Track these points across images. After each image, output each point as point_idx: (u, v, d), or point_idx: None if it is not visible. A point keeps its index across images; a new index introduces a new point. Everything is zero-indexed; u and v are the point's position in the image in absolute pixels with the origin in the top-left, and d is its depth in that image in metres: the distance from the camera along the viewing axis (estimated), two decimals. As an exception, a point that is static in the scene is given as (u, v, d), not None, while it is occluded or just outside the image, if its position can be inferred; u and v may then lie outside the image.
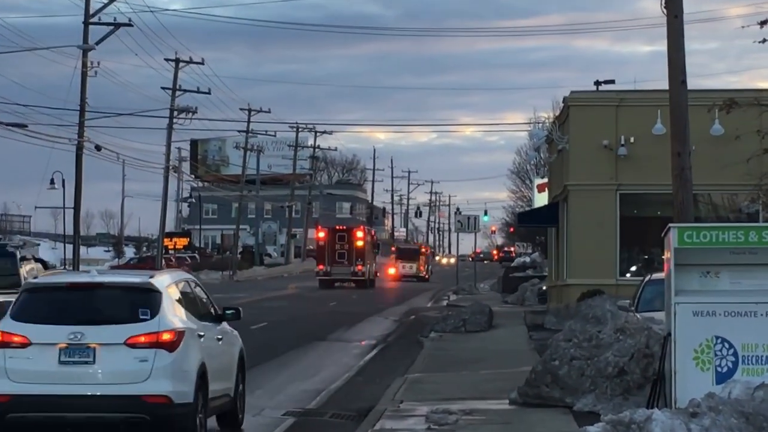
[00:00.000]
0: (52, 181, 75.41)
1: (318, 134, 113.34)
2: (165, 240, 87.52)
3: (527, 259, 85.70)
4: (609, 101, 37.45)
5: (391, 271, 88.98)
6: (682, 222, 18.55)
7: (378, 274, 77.78)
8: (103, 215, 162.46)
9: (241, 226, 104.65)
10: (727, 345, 14.18)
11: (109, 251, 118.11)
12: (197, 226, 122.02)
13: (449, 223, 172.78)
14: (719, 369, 14.16)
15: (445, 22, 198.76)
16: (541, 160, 68.10)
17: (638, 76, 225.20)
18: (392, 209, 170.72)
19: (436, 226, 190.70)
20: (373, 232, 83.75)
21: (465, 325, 34.72)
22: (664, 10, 20.31)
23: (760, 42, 22.98)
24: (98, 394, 13.88)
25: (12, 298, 15.89)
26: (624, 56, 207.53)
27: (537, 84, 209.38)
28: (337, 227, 78.80)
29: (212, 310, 16.13)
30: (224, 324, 16.29)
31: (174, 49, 78.07)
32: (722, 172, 32.38)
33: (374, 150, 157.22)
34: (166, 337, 14.04)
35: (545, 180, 56.39)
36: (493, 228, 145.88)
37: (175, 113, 76.54)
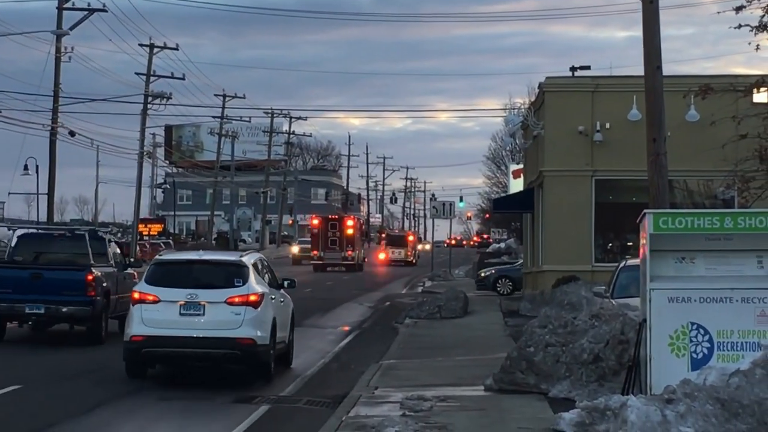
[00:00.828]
0: (25, 167, 74.99)
1: (293, 120, 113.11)
2: (140, 226, 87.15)
3: (502, 246, 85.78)
4: (584, 87, 37.44)
5: (381, 256, 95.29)
6: (658, 208, 18.52)
7: (366, 259, 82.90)
8: (77, 201, 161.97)
9: (215, 212, 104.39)
10: (702, 331, 14.16)
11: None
12: (172, 213, 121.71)
13: (425, 209, 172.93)
14: (695, 355, 14.14)
15: (420, 8, 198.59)
16: (516, 146, 68.19)
17: (614, 62, 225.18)
18: (368, 195, 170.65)
19: (412, 212, 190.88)
20: (361, 221, 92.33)
21: (440, 311, 34.68)
22: (640, -5, 20.24)
23: (735, 28, 22.99)
24: (206, 336, 19.66)
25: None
26: (600, 42, 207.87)
27: (513, 70, 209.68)
28: (330, 216, 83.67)
29: (276, 280, 22.08)
30: (282, 290, 22.24)
31: (148, 34, 77.78)
32: (698, 158, 32.44)
33: (349, 136, 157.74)
34: (252, 298, 19.99)
35: (521, 166, 56.43)
36: (469, 214, 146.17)
37: (150, 99, 76.16)
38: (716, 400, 13.18)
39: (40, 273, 25.98)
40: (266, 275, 21.64)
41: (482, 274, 51.99)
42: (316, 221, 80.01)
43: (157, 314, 19.85)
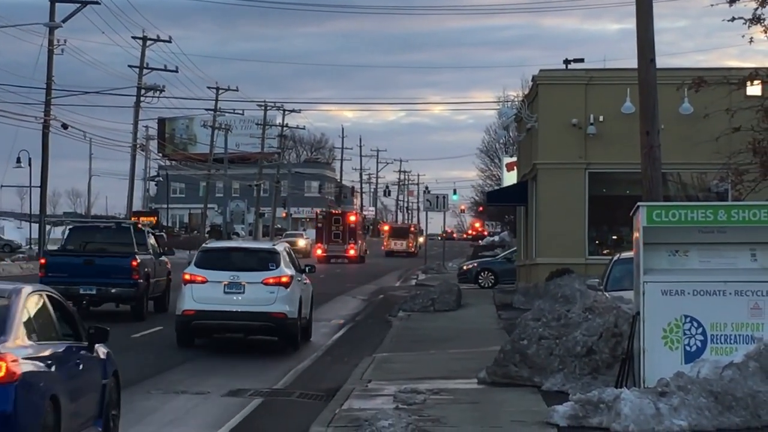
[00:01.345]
0: (18, 160, 74.84)
1: (286, 113, 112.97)
2: (132, 219, 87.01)
3: (496, 238, 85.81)
4: (578, 80, 37.41)
5: (383, 247, 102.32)
6: (651, 201, 18.51)
7: (368, 251, 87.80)
8: (70, 194, 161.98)
9: (208, 205, 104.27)
10: (695, 324, 14.15)
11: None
12: (165, 205, 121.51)
13: (418, 202, 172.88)
14: (688, 348, 14.13)
15: (413, 0, 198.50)
16: (510, 138, 68.14)
17: (608, 54, 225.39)
18: (361, 188, 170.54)
19: (405, 205, 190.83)
20: (363, 216, 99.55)
21: (433, 304, 34.66)
22: (634, -12, 20.19)
23: (729, 20, 22.96)
24: (246, 310, 23.71)
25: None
26: (593, 34, 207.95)
27: (506, 62, 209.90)
28: (333, 212, 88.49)
29: (299, 265, 26.16)
30: (303, 274, 26.21)
31: (141, 27, 77.61)
32: (691, 150, 32.41)
33: (342, 129, 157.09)
34: (284, 279, 24.10)
35: (514, 159, 56.39)
36: (463, 207, 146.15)
37: (143, 91, 76.04)
38: (710, 393, 13.19)
39: (92, 259, 30.34)
40: (293, 259, 25.89)
41: (464, 267, 52.09)
42: (321, 216, 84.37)
43: (204, 292, 23.84)
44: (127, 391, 18.23)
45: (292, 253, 26.38)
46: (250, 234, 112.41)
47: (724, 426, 13.02)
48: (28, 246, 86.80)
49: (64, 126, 65.56)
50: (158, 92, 75.69)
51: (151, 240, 32.90)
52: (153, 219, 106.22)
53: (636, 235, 14.57)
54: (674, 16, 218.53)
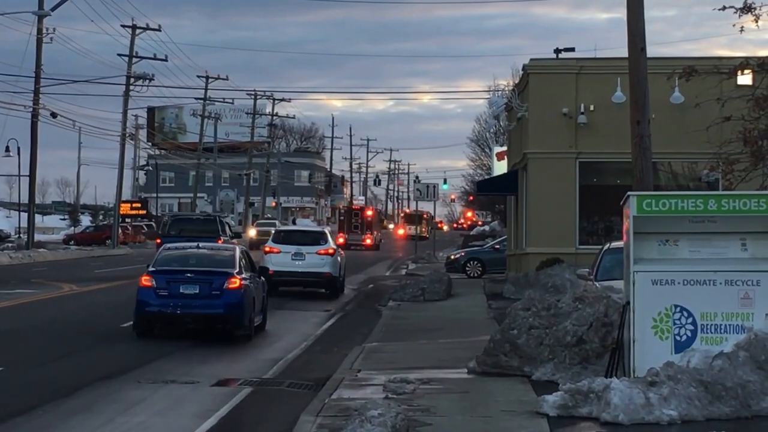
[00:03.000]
0: (7, 149, 74.59)
1: (276, 102, 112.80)
2: (122, 208, 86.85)
3: (486, 228, 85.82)
4: (569, 69, 37.38)
5: (400, 231, 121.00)
6: (642, 190, 18.48)
7: (382, 240, 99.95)
8: (59, 183, 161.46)
9: (198, 194, 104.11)
10: (686, 314, 14.12)
11: (64, 219, 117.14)
12: (154, 194, 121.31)
13: (408, 192, 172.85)
14: (678, 338, 14.11)
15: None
16: (500, 128, 68.11)
17: (597, 43, 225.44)
18: (351, 177, 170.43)
19: (396, 194, 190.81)
20: (378, 210, 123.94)
21: (423, 293, 34.62)
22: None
23: (720, 9, 22.89)
24: (306, 271, 36.25)
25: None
26: (582, 23, 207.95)
27: (495, 52, 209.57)
28: (353, 207, 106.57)
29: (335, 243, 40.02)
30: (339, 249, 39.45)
31: (130, 15, 77.36)
32: (682, 140, 32.40)
33: (333, 118, 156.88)
34: (330, 251, 36.73)
35: (505, 148, 56.35)
36: (453, 196, 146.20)
37: (132, 80, 75.85)
38: (699, 383, 13.17)
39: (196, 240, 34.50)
40: (335, 239, 41.27)
41: (452, 257, 52.08)
42: (342, 210, 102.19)
43: (279, 259, 36.30)
44: (116, 380, 18.23)
45: (331, 232, 42.85)
46: (240, 223, 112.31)
47: (713, 415, 13.01)
48: (17, 235, 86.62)
49: (53, 115, 65.37)
50: (147, 81, 75.50)
51: (227, 227, 47.47)
52: (139, 206, 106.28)
53: (626, 224, 14.54)
54: (663, 5, 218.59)
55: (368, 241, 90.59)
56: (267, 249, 36.64)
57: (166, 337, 23.76)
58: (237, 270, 23.93)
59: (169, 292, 23.62)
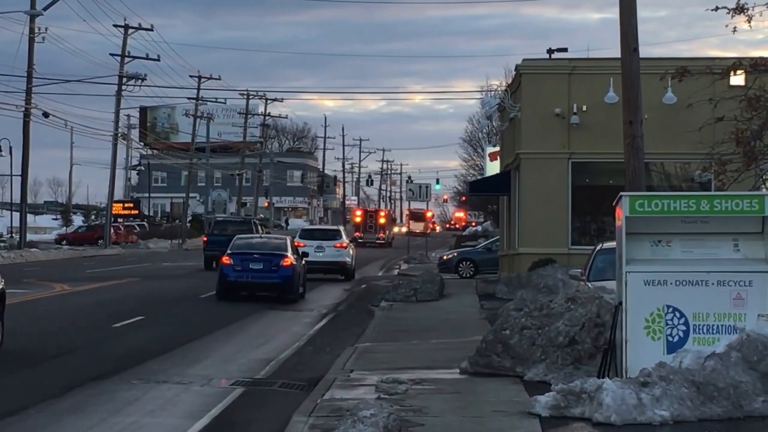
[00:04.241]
0: (-1, 149, 74.45)
1: (268, 102, 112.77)
2: (114, 208, 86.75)
3: (479, 228, 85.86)
4: (561, 69, 37.40)
5: (404, 229, 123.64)
6: (634, 191, 18.48)
7: (394, 238, 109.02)
8: (51, 183, 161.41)
9: (190, 194, 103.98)
10: (678, 314, 14.12)
11: (56, 219, 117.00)
12: (146, 194, 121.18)
13: (401, 192, 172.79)
14: (670, 338, 14.11)
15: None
16: (493, 128, 68.09)
17: (590, 44, 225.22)
18: (344, 177, 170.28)
19: (388, 194, 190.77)
20: (391, 212, 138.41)
21: (416, 294, 34.60)
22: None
23: (712, 10, 22.92)
24: (326, 260, 46.85)
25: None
26: (574, 23, 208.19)
27: (487, 52, 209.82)
28: (368, 209, 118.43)
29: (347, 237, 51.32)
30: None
31: (122, 15, 77.29)
32: (674, 140, 32.44)
33: (325, 118, 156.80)
34: (344, 244, 48.32)
35: (497, 148, 56.38)
36: (445, 196, 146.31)
37: (124, 80, 75.78)
38: (692, 383, 13.17)
39: (231, 238, 38.80)
40: (347, 234, 49.51)
41: (444, 257, 52.08)
42: (358, 212, 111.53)
43: (305, 251, 41.33)
44: (108, 381, 18.19)
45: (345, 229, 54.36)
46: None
47: (706, 416, 13.01)
48: (9, 235, 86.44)
49: (45, 114, 65.27)
50: (140, 81, 75.43)
51: (259, 228, 57.74)
52: (131, 205, 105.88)
53: (618, 224, 14.53)
54: (655, 6, 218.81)
55: (381, 240, 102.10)
56: (296, 243, 41.50)
57: (161, 336, 23.79)
58: (290, 252, 34.68)
59: (242, 268, 33.74)
